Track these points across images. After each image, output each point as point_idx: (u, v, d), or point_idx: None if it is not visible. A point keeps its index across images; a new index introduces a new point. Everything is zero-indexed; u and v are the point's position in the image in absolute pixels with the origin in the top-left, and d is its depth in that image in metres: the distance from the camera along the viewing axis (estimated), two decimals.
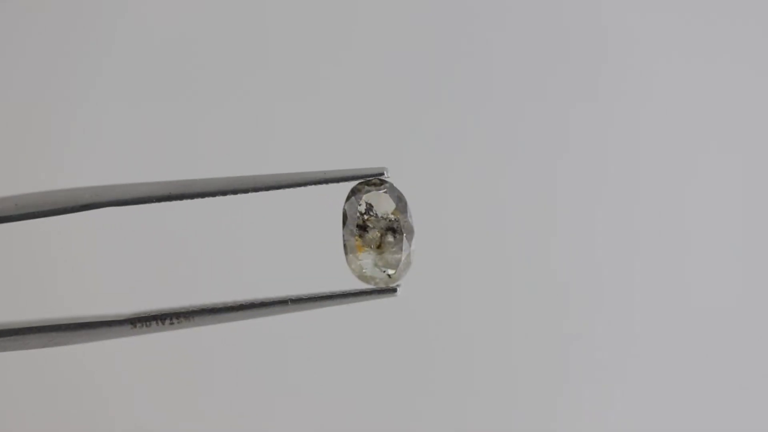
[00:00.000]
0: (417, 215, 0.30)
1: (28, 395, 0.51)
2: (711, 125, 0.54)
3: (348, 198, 0.29)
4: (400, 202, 0.29)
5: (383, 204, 0.29)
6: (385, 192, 0.29)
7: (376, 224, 0.29)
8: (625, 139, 0.54)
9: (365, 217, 0.29)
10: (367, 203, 0.29)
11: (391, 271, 0.30)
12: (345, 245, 0.29)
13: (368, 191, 0.29)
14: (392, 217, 0.29)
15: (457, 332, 0.53)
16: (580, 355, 0.53)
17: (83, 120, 0.53)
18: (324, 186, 0.29)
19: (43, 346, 0.30)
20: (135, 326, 0.29)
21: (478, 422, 0.53)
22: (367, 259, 0.29)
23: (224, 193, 0.29)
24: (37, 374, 0.51)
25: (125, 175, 0.47)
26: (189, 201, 0.29)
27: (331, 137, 0.53)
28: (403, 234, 0.29)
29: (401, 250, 0.29)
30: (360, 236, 0.29)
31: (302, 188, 0.29)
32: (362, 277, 0.30)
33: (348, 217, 0.29)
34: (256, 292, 0.30)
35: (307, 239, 0.48)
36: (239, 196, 0.29)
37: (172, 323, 0.29)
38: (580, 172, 0.54)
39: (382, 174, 0.29)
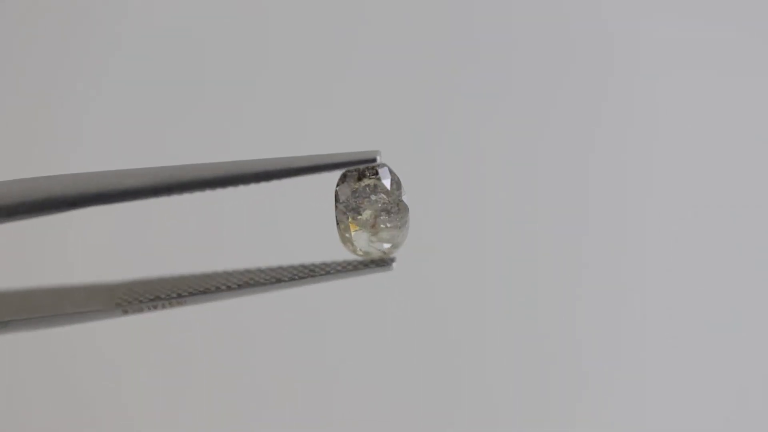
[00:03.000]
0: (411, 193, 0.29)
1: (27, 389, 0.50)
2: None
3: (339, 183, 0.29)
4: (395, 183, 0.29)
5: (377, 187, 0.29)
6: (379, 179, 0.29)
7: (369, 206, 0.29)
8: (622, 131, 0.54)
9: (358, 201, 0.29)
10: (360, 188, 0.29)
11: (387, 246, 0.29)
12: (338, 227, 0.29)
13: (361, 179, 0.29)
14: (386, 198, 0.29)
15: (449, 313, 0.52)
16: (573, 342, 0.52)
17: (75, 116, 0.52)
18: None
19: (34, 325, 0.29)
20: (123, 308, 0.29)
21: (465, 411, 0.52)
22: (361, 238, 0.29)
23: (212, 185, 0.28)
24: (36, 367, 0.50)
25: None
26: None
27: (323, 123, 0.53)
28: (397, 214, 0.29)
29: (396, 228, 0.29)
30: (353, 219, 0.29)
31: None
32: (357, 255, 0.29)
33: (340, 200, 0.29)
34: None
35: (298, 222, 0.48)
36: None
37: (170, 297, 0.29)
38: (576, 165, 0.53)
39: (375, 160, 0.28)
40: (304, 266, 0.29)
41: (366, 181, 0.28)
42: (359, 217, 0.28)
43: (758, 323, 0.52)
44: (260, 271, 0.29)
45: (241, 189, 0.27)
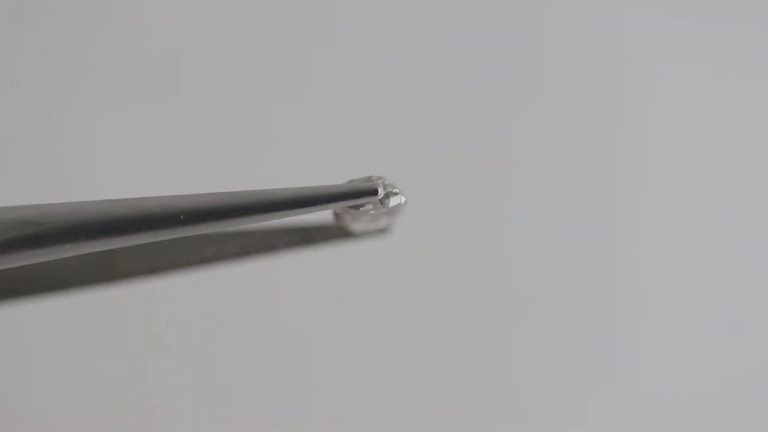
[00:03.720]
0: (417, 192, 0.29)
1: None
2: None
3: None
4: (393, 189, 0.28)
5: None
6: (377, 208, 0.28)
7: (369, 210, 0.28)
8: (628, 132, 0.52)
9: (358, 212, 0.28)
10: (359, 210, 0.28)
11: (383, 224, 0.29)
12: (336, 222, 0.29)
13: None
14: (383, 207, 0.28)
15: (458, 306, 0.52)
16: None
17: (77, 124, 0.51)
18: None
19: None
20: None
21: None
22: (359, 229, 0.29)
23: (204, 220, 0.26)
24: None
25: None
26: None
27: (331, 125, 0.51)
28: (395, 208, 0.28)
29: (392, 216, 0.29)
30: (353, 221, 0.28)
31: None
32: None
33: (338, 211, 0.28)
34: None
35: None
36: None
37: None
38: (577, 164, 0.52)
39: (377, 192, 0.27)
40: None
41: (366, 206, 0.27)
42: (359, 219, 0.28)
43: None
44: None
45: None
